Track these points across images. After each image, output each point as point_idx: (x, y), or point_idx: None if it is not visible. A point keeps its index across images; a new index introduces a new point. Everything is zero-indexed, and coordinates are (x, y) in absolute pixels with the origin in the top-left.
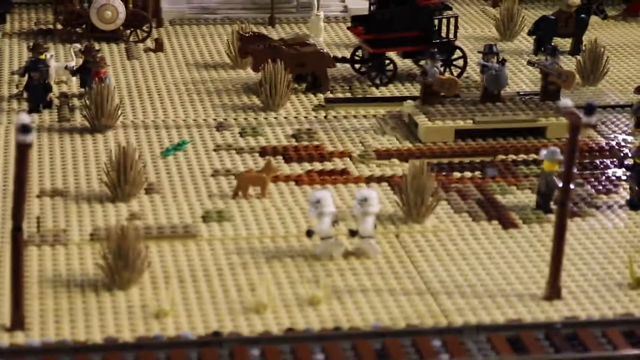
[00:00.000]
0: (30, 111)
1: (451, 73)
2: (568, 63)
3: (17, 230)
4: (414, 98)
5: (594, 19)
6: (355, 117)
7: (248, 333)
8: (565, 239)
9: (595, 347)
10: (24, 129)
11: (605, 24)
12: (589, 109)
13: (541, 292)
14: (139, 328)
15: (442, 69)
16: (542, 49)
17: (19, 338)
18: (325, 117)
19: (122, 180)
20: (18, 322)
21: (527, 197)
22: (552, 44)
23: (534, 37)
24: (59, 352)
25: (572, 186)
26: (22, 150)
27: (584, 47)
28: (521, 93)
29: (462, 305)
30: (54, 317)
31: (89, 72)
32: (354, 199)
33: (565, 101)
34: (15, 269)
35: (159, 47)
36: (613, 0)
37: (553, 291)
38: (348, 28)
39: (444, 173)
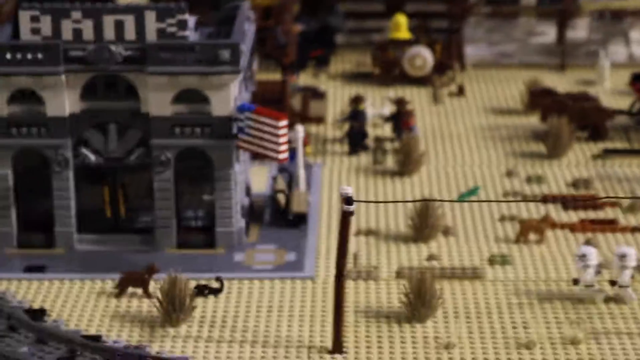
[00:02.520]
0: (350, 153)
1: None
2: None
3: (339, 277)
4: None
5: None
6: (629, 167)
7: None
8: None
9: None
10: (348, 201)
11: None
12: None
13: None
14: (432, 357)
15: None
16: None
17: None
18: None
19: (423, 224)
20: (338, 346)
21: None
22: None
23: None
24: None
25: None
26: (346, 217)
27: None
28: None
29: None
30: (366, 344)
31: (400, 120)
32: (614, 254)
33: None
34: (338, 306)
35: (461, 92)
36: None
37: None
38: (629, 83)
39: None
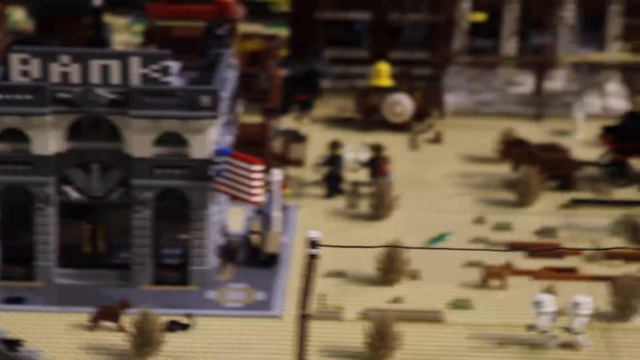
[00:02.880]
0: (327, 196)
1: None
2: None
3: (303, 316)
4: None
5: None
6: (596, 217)
7: None
8: None
9: None
10: (313, 244)
11: None
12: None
13: None
14: None
15: None
16: None
17: None
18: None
19: (390, 267)
20: None
21: None
22: None
23: None
24: None
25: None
26: (311, 259)
27: None
28: None
29: None
30: None
31: (376, 166)
32: (569, 302)
33: None
34: (301, 344)
35: (438, 139)
36: None
37: None
38: (600, 136)
39: None
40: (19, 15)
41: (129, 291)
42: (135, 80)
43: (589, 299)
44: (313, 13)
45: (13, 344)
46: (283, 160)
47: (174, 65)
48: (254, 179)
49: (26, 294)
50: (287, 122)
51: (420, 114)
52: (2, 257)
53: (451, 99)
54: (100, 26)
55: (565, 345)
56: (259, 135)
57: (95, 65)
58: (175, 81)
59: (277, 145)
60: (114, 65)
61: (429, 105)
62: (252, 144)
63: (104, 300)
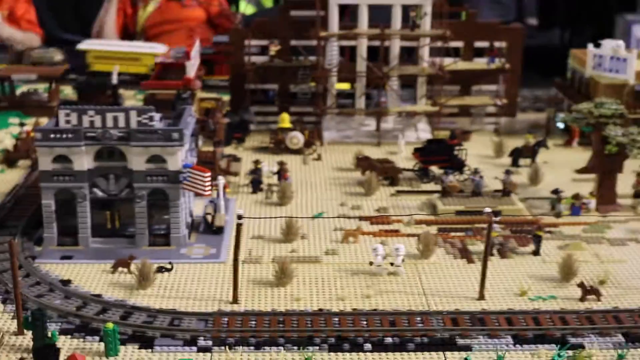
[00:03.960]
0: (252, 193)
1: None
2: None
3: (235, 260)
4: (437, 192)
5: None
6: (412, 201)
7: None
8: None
9: None
10: (240, 217)
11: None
12: None
13: None
14: (288, 305)
15: (454, 177)
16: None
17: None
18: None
19: (289, 232)
20: (235, 299)
21: None
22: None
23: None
24: None
25: None
26: (238, 226)
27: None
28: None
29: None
30: (252, 298)
31: (281, 174)
32: (392, 248)
33: None
34: (235, 277)
35: (319, 158)
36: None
37: None
38: (412, 153)
39: (444, 233)
40: (68, 90)
41: (134, 250)
42: (133, 124)
43: (403, 246)
44: (244, 85)
45: (66, 281)
46: (226, 172)
47: (157, 116)
48: (205, 182)
49: (73, 253)
50: (228, 150)
51: (308, 144)
52: (59, 231)
53: (327, 135)
54: (116, 96)
55: (391, 274)
56: (211, 157)
57: (109, 116)
58: (157, 124)
59: (222, 163)
60: (121, 116)
61: (313, 138)
62: (206, 163)
63: (119, 255)
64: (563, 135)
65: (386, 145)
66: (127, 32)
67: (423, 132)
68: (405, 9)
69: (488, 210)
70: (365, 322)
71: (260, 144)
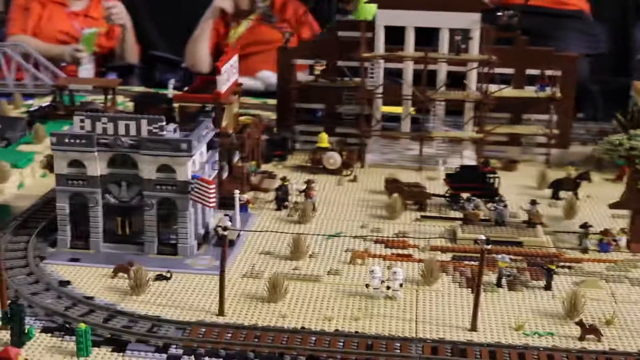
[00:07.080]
0: (276, 210)
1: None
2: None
3: (222, 272)
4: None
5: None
6: (437, 227)
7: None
8: None
9: None
10: (225, 229)
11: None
12: None
13: None
14: (278, 323)
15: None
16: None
17: None
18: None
19: (296, 249)
20: (221, 311)
21: None
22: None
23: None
24: None
25: None
26: (223, 239)
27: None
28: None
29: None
30: (240, 312)
31: (307, 193)
32: (391, 271)
33: None
34: (221, 289)
35: (354, 180)
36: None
37: None
38: (443, 178)
39: (456, 261)
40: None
41: (141, 258)
42: (144, 133)
43: (401, 270)
44: (290, 104)
45: (64, 282)
46: (256, 188)
47: (170, 126)
48: (210, 193)
49: (82, 256)
50: (267, 167)
51: (346, 165)
52: (72, 235)
53: (369, 157)
54: (172, 109)
55: (388, 297)
56: (242, 172)
57: (122, 124)
58: (170, 134)
59: (255, 179)
60: (132, 124)
61: (351, 159)
62: (237, 178)
63: (124, 262)
64: (618, 170)
65: (427, 171)
66: (219, 51)
67: (468, 159)
68: (452, 32)
69: (482, 237)
70: (341, 344)
71: (302, 162)
